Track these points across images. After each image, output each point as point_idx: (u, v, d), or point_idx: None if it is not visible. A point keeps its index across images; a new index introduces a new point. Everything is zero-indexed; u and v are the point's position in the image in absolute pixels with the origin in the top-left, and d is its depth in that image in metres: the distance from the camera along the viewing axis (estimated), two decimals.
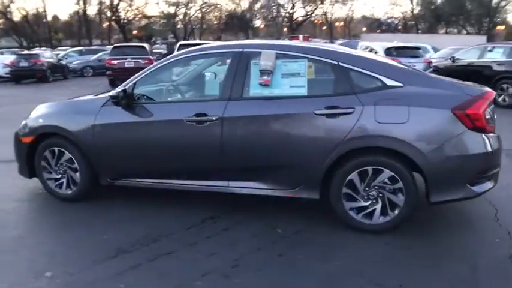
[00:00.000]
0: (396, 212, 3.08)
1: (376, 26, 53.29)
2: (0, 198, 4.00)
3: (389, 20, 52.87)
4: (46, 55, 18.76)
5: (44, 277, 2.62)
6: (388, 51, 11.62)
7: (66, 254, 2.95)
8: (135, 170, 3.62)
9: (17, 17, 44.73)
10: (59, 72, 18.66)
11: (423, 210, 3.41)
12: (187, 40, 38.67)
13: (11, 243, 3.13)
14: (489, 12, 44.97)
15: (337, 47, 3.58)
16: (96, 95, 4.04)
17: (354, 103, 3.03)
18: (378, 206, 3.10)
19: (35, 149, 3.87)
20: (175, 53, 11.98)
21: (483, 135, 3.02)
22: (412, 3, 50.62)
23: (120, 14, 48.68)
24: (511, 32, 46.30)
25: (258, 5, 53.56)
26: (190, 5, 50.91)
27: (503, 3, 45.04)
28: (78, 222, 3.47)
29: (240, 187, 3.35)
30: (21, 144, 3.95)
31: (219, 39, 43.92)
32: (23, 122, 4.04)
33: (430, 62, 11.87)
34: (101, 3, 48.44)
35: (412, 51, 12.21)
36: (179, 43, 13.54)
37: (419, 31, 48.56)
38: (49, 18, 49.45)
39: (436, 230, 3.24)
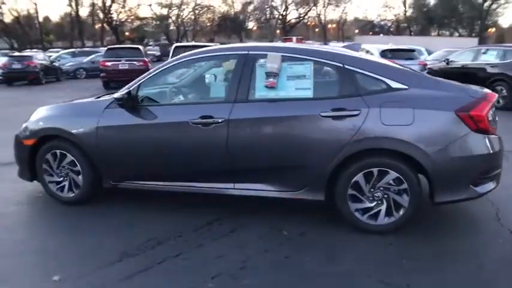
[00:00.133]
0: (401, 212, 3.11)
1: (369, 28, 53.69)
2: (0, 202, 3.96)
3: (382, 23, 53.31)
4: (39, 57, 18.60)
5: (51, 281, 2.60)
6: (383, 54, 11.69)
7: (72, 257, 2.94)
8: (139, 172, 3.61)
9: (8, 18, 44.39)
10: (51, 74, 18.51)
11: (423, 210, 3.44)
12: (180, 42, 38.61)
13: (16, 247, 3.10)
14: (481, 15, 45.58)
15: (341, 49, 3.60)
16: (98, 97, 4.02)
17: (360, 105, 3.05)
18: (383, 207, 3.13)
19: (36, 152, 3.84)
20: (171, 54, 12.02)
21: (486, 137, 3.06)
22: (404, 5, 51.17)
23: (112, 15, 48.51)
24: (501, 34, 46.97)
25: (251, 7, 53.72)
26: (183, 6, 50.93)
27: (494, 6, 45.71)
28: (80, 226, 3.45)
29: (246, 189, 3.36)
30: (22, 146, 3.92)
31: (211, 41, 43.87)
32: (24, 125, 4.01)
33: (425, 64, 11.98)
34: (93, 5, 48.23)
35: (407, 54, 12.30)
36: (174, 45, 13.46)
37: (412, 33, 49.02)
38: (40, 19, 49.09)
39: (438, 230, 3.28)
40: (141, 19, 51.16)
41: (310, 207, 3.54)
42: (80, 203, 3.80)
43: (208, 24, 55.07)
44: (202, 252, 2.95)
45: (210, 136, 3.29)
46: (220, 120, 3.25)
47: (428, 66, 11.72)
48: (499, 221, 3.43)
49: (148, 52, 24.56)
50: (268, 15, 53.76)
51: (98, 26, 51.41)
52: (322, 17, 55.56)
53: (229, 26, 53.38)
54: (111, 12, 48.25)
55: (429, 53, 16.73)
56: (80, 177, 3.73)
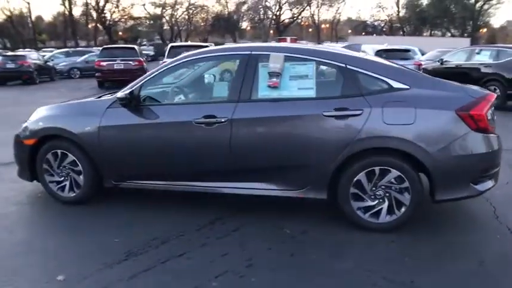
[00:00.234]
0: (402, 210, 3.15)
1: (362, 28, 53.96)
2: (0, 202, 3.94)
3: (375, 23, 53.62)
4: (33, 56, 18.44)
5: (56, 281, 2.60)
6: (378, 54, 11.76)
7: (76, 257, 2.93)
8: (142, 172, 3.61)
9: (0, 17, 44.00)
10: (45, 74, 18.36)
11: (423, 209, 3.48)
12: (174, 42, 38.51)
13: (19, 247, 3.09)
14: (472, 15, 46.05)
15: (343, 49, 3.63)
16: (99, 97, 4.01)
17: (362, 105, 3.09)
18: (385, 205, 3.17)
19: (36, 152, 3.82)
20: (166, 54, 11.94)
21: (485, 136, 3.11)
22: (397, 6, 51.53)
23: (106, 15, 48.27)
24: (493, 35, 47.48)
25: (245, 7, 53.76)
26: (176, 6, 50.82)
27: (486, 6, 46.19)
28: (82, 226, 3.44)
29: (248, 188, 3.38)
30: (22, 146, 3.90)
31: (205, 41, 43.87)
32: (24, 125, 3.99)
33: (420, 64, 12.06)
34: (86, 4, 47.96)
35: (402, 54, 12.39)
36: (170, 45, 13.45)
37: (404, 34, 49.38)
38: (33, 18, 48.71)
39: (438, 228, 3.32)
40: (134, 19, 51.03)
41: (310, 206, 3.57)
42: (81, 203, 3.79)
43: (202, 24, 55.03)
44: (205, 251, 2.96)
45: (213, 136, 3.30)
46: (223, 120, 3.26)
47: (422, 67, 11.80)
48: (497, 218, 3.48)
49: (143, 52, 24.48)
50: (262, 15, 53.84)
51: (91, 25, 51.12)
52: (315, 17, 55.82)
53: (223, 25, 53.37)
54: (105, 11, 48.08)
55: (422, 53, 16.84)
56: (81, 177, 3.72)
